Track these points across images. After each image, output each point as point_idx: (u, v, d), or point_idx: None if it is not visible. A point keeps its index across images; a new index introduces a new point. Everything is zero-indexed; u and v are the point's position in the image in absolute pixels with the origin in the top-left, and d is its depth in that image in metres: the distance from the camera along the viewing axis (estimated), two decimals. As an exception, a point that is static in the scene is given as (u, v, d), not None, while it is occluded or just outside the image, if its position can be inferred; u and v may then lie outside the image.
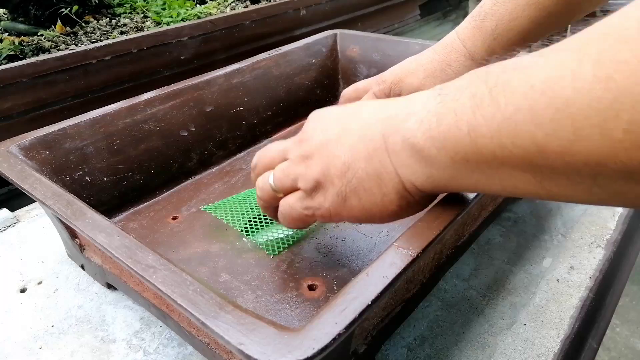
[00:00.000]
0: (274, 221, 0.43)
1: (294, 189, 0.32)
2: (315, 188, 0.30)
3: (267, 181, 0.33)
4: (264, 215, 0.43)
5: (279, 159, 0.33)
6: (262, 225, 0.43)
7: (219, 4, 0.96)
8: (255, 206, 0.44)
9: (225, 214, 0.44)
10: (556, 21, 0.41)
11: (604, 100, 0.17)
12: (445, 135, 0.24)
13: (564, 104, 0.18)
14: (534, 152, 0.20)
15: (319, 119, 0.32)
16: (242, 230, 0.42)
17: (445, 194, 0.30)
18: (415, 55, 0.47)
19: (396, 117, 0.28)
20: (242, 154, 0.56)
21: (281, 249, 0.40)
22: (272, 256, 0.39)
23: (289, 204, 0.32)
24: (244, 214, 0.43)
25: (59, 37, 0.77)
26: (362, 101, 0.31)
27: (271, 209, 0.35)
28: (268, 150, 0.35)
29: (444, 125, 0.24)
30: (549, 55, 0.20)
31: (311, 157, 0.30)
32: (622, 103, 0.16)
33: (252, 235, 0.42)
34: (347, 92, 0.51)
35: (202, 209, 0.45)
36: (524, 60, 0.21)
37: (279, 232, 0.41)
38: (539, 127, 0.19)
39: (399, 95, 0.46)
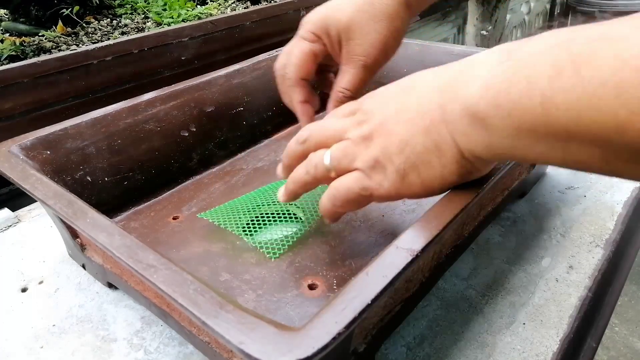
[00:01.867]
0: (273, 222, 0.43)
1: (350, 170, 0.30)
2: (374, 167, 0.29)
3: (321, 159, 0.31)
4: (262, 216, 0.43)
5: (336, 139, 0.32)
6: (262, 227, 0.43)
7: (220, 4, 0.96)
8: (253, 207, 0.44)
9: (223, 219, 0.43)
10: None
11: None
12: (514, 103, 0.23)
13: None
14: (613, 129, 0.19)
15: (377, 98, 0.31)
16: (241, 233, 0.42)
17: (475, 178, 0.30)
18: None
19: (455, 82, 0.27)
20: (243, 154, 0.56)
21: (281, 251, 0.40)
22: (272, 259, 0.39)
23: (346, 186, 0.30)
24: (241, 217, 0.43)
25: (60, 37, 0.77)
26: (417, 73, 0.30)
27: (312, 186, 0.33)
28: (324, 128, 0.33)
29: (513, 93, 0.23)
30: (637, 29, 0.19)
31: (370, 137, 0.29)
32: None
33: (251, 236, 0.41)
34: (279, 61, 0.46)
35: (199, 216, 0.44)
36: (610, 31, 0.20)
37: (278, 233, 0.42)
38: (624, 105, 0.18)
39: (328, 33, 0.42)
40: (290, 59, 0.43)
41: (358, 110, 0.32)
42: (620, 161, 0.20)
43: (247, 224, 0.42)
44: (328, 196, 0.32)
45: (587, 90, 0.19)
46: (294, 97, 0.44)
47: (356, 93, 0.42)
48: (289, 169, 0.35)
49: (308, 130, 0.34)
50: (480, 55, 0.27)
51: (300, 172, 0.33)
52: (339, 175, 0.31)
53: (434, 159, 0.28)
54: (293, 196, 0.36)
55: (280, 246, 0.40)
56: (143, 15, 0.91)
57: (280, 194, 0.37)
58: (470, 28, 1.86)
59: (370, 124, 0.30)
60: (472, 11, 1.83)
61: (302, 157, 0.34)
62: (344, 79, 0.42)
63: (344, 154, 0.30)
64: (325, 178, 0.32)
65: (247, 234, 0.41)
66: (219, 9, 0.92)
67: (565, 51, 0.21)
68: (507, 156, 0.26)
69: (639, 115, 0.18)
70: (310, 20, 0.43)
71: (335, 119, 0.33)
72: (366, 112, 0.31)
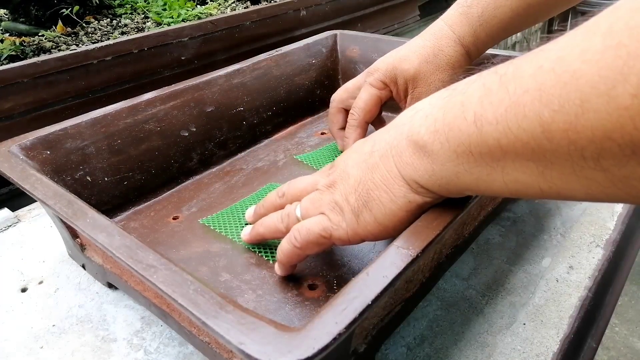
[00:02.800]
0: None
1: (318, 214, 0.32)
2: (333, 209, 0.31)
3: (293, 211, 0.34)
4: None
5: (308, 191, 0.34)
6: None
7: (220, 4, 0.96)
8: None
9: (224, 227, 0.43)
10: (535, 14, 0.44)
11: (613, 66, 0.17)
12: (450, 126, 0.24)
13: (572, 77, 0.18)
14: (539, 133, 0.20)
15: (346, 153, 0.34)
16: (242, 240, 0.41)
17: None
18: (401, 45, 0.48)
19: (401, 123, 0.29)
20: (243, 154, 0.56)
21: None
22: (271, 261, 0.39)
23: (307, 226, 0.32)
24: (243, 226, 0.42)
25: (60, 37, 0.77)
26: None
27: (281, 235, 0.35)
28: (300, 182, 0.36)
29: (449, 117, 0.24)
30: (558, 39, 0.20)
31: (334, 184, 0.32)
32: (632, 67, 0.16)
33: (254, 247, 0.41)
34: (337, 95, 0.52)
35: (200, 222, 0.44)
36: (536, 49, 0.21)
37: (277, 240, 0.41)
38: (545, 105, 0.19)
39: (395, 82, 0.47)
40: (358, 103, 0.49)
41: (331, 166, 0.34)
42: (555, 173, 0.21)
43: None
44: (288, 238, 0.33)
45: (513, 100, 0.21)
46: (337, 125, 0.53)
47: None
48: (260, 216, 0.38)
49: (287, 185, 0.37)
50: (428, 97, 0.29)
51: (274, 218, 0.36)
52: (304, 219, 0.33)
53: (383, 195, 0.29)
54: (259, 239, 0.38)
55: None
56: (143, 15, 0.91)
57: (245, 234, 0.39)
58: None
59: (335, 173, 0.32)
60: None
61: (279, 208, 0.37)
62: None
63: (311, 202, 0.33)
64: (292, 223, 0.34)
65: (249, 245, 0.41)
66: (219, 9, 0.92)
67: (494, 74, 0.23)
68: (451, 186, 0.27)
69: (559, 112, 0.19)
70: (379, 69, 0.48)
71: (310, 175, 0.36)
72: (335, 164, 0.34)
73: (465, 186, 0.26)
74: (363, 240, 0.31)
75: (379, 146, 0.30)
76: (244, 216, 0.43)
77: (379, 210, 0.29)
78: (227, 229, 0.43)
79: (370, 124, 0.51)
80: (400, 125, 0.29)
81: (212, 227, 0.43)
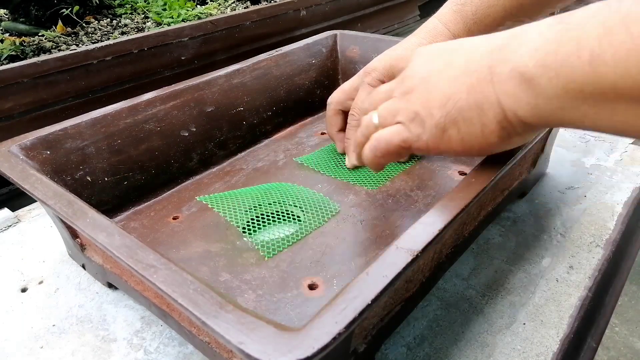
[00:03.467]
0: (275, 222, 0.43)
1: (393, 124, 0.32)
2: (414, 120, 0.30)
3: (371, 119, 0.34)
4: (264, 215, 0.43)
5: (384, 100, 0.34)
6: (263, 226, 0.43)
7: (220, 4, 0.96)
8: (255, 206, 0.44)
9: (223, 208, 0.43)
10: (526, 12, 0.44)
11: None
12: (562, 62, 0.23)
13: None
14: None
15: (423, 56, 0.33)
16: (242, 229, 0.42)
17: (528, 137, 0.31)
18: (395, 45, 0.48)
19: (506, 47, 0.27)
20: (243, 154, 0.56)
21: (276, 251, 0.40)
22: (266, 258, 0.39)
23: (386, 138, 0.32)
24: (245, 213, 0.43)
25: (60, 37, 0.77)
26: (464, 38, 0.32)
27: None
28: (376, 92, 0.36)
29: (562, 52, 0.23)
30: None
31: (412, 91, 0.31)
32: None
33: (251, 234, 0.42)
34: (335, 97, 0.51)
35: (198, 199, 0.45)
36: None
37: (277, 233, 0.42)
38: None
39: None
40: (357, 104, 0.48)
41: (405, 71, 0.33)
42: None
43: (248, 222, 0.43)
44: (370, 147, 0.33)
45: (636, 44, 0.20)
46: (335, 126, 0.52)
47: None
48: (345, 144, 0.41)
49: (362, 98, 0.38)
50: (532, 24, 0.27)
51: (357, 135, 0.36)
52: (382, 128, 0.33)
53: (475, 117, 0.28)
54: (357, 159, 0.39)
55: (277, 246, 0.40)
56: (143, 15, 0.91)
57: (347, 162, 0.45)
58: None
59: (414, 79, 0.31)
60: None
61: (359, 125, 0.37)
62: None
63: (388, 111, 0.32)
64: (369, 133, 0.34)
65: (248, 232, 0.42)
66: (219, 9, 0.92)
67: (615, 12, 0.21)
68: (552, 119, 0.26)
69: None
70: (377, 69, 0.47)
71: (385, 85, 0.35)
72: (410, 68, 0.33)
73: (569, 121, 0.25)
74: (441, 154, 0.31)
75: (475, 66, 0.28)
76: (245, 203, 0.44)
77: (468, 132, 0.29)
78: (226, 212, 0.43)
79: None
80: (503, 47, 0.27)
81: (209, 205, 0.44)
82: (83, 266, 0.43)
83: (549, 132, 0.46)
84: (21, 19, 0.84)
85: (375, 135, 0.33)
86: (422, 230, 0.27)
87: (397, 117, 0.32)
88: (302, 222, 0.43)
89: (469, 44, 0.30)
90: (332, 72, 0.67)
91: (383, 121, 0.33)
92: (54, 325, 0.38)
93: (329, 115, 0.52)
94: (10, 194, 0.61)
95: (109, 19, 0.88)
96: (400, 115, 0.31)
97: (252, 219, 0.43)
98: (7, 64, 0.61)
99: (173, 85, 0.52)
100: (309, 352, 0.20)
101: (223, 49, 0.78)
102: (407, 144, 0.31)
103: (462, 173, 0.49)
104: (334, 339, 0.21)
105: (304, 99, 0.64)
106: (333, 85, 0.67)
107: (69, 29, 0.80)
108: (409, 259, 0.25)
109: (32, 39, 0.75)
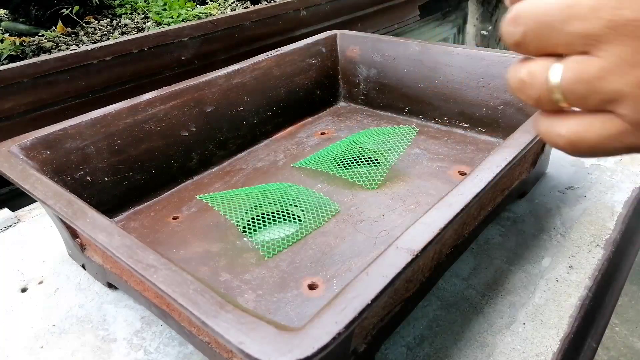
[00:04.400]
0: (275, 222, 0.43)
1: (597, 109, 0.18)
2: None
3: (545, 73, 0.19)
4: (264, 215, 0.43)
5: (575, 47, 0.18)
6: (263, 226, 0.43)
7: (220, 4, 0.96)
8: (255, 206, 0.44)
9: (223, 207, 0.43)
10: None
11: None
12: None
13: None
14: None
15: None
16: (242, 229, 0.42)
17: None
18: None
19: None
20: (243, 154, 0.56)
21: (276, 251, 0.40)
22: (266, 258, 0.39)
23: (597, 135, 0.19)
24: (245, 213, 0.43)
25: (60, 37, 0.77)
26: None
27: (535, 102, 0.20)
28: (564, 22, 0.18)
29: None
30: None
31: (626, 41, 0.16)
32: None
33: (252, 234, 0.42)
34: None
35: (198, 198, 0.45)
36: None
37: (277, 233, 0.42)
38: None
39: None
40: None
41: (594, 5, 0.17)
42: None
43: (248, 222, 0.43)
44: (567, 140, 0.20)
45: None
46: None
47: None
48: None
49: (523, 25, 0.19)
50: None
51: (520, 84, 0.20)
52: (571, 106, 0.19)
53: None
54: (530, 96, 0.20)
55: (277, 246, 0.40)
56: (143, 15, 0.91)
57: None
58: (470, 28, 1.86)
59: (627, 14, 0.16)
60: (472, 11, 1.83)
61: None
62: None
63: (587, 81, 0.18)
64: (545, 101, 0.20)
65: (247, 232, 0.42)
66: (219, 9, 0.92)
67: None
68: None
69: None
70: None
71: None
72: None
73: None
74: None
75: None
76: (246, 202, 0.43)
77: None
78: (227, 210, 0.43)
79: None
80: None
81: (210, 204, 0.43)
82: (83, 266, 0.43)
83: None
84: (21, 19, 0.84)
85: (576, 127, 0.19)
86: (422, 230, 0.27)
87: (611, 105, 0.18)
88: (302, 222, 0.43)
89: None
90: (332, 72, 0.67)
91: (571, 92, 0.18)
92: (54, 325, 0.38)
93: None
94: (10, 194, 0.61)
95: (109, 19, 0.88)
96: (621, 106, 0.18)
97: (252, 219, 0.43)
98: (7, 64, 0.62)
99: (173, 85, 0.52)
100: (308, 352, 0.20)
101: (223, 49, 0.78)
102: (634, 151, 0.19)
103: (462, 173, 0.49)
104: (334, 338, 0.21)
105: (304, 99, 0.64)
106: (333, 85, 0.67)
107: (69, 29, 0.80)
108: (409, 259, 0.25)
109: (32, 39, 0.75)
